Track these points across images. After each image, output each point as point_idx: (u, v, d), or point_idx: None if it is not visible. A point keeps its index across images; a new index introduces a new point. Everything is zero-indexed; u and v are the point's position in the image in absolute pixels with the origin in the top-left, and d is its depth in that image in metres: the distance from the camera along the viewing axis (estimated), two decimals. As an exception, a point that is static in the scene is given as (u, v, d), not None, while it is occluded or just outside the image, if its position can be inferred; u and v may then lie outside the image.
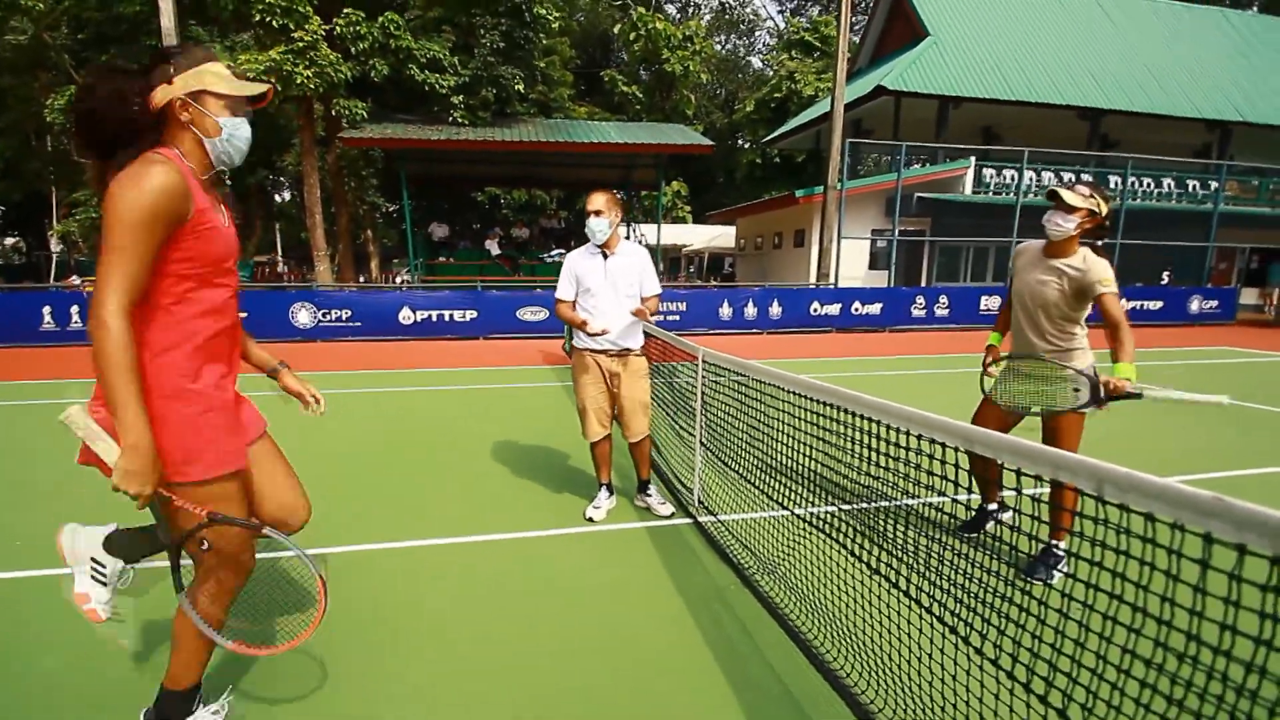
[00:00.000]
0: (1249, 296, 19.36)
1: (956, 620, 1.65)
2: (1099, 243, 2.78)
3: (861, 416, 1.95)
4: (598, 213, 3.22)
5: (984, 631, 1.55)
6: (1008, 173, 17.63)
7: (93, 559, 1.73)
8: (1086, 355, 2.80)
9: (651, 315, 3.30)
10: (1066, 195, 2.65)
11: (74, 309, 10.89)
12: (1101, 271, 2.63)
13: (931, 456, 1.62)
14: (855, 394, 1.90)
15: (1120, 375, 2.52)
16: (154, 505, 1.51)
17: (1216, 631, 1.01)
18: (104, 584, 1.72)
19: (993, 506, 3.19)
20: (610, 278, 3.31)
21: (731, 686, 2.07)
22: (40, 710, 1.97)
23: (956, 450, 1.47)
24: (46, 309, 10.84)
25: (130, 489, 1.41)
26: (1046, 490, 2.70)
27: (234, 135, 1.58)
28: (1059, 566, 2.73)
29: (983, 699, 1.60)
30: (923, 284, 18.00)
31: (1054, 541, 2.76)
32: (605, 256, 3.33)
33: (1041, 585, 2.64)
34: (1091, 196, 2.66)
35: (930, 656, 1.83)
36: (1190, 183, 18.90)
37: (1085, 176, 18.04)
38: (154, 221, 1.41)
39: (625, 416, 3.46)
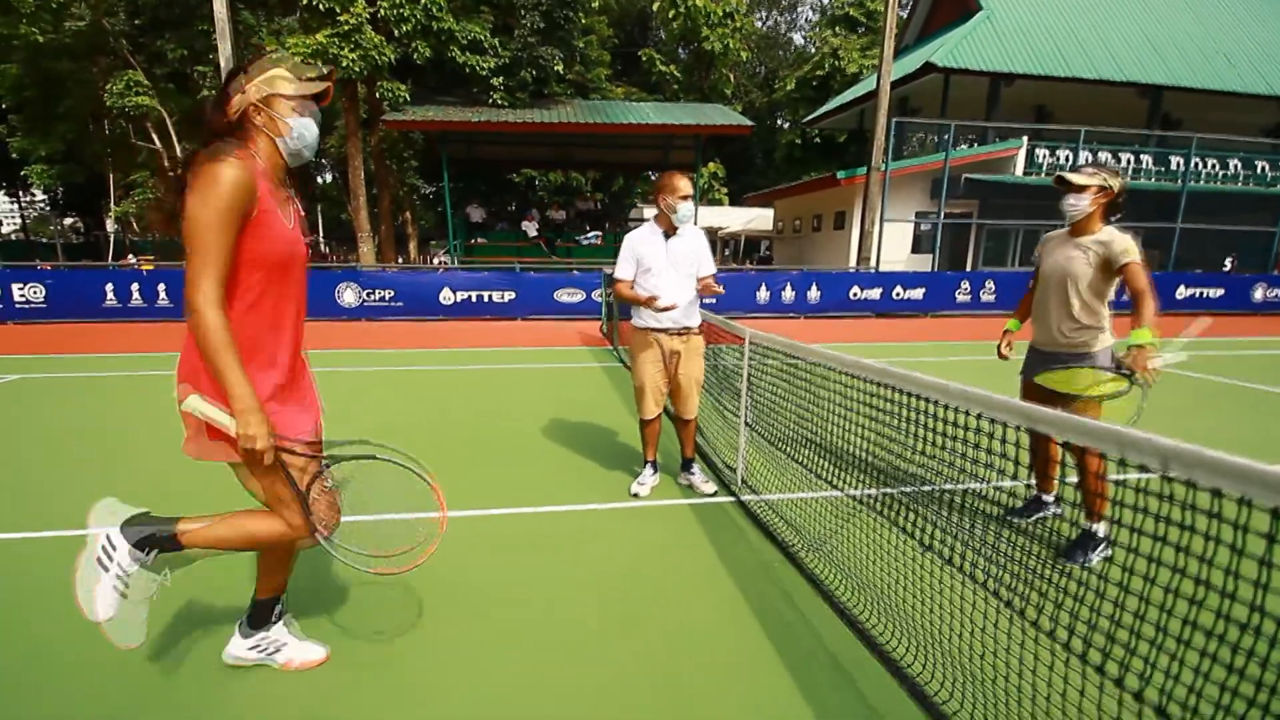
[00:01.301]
0: (1319, 284, 18.33)
1: (1012, 594, 1.68)
2: (1115, 218, 2.88)
3: (917, 396, 1.97)
4: (689, 197, 3.32)
5: (1040, 606, 1.59)
6: (1062, 153, 16.96)
7: (107, 537, 1.68)
8: (1107, 337, 2.84)
9: (710, 293, 3.38)
10: (1072, 177, 2.77)
11: (134, 286, 11.43)
12: (1125, 243, 2.71)
13: (991, 436, 1.65)
14: (911, 373, 1.93)
15: (1135, 340, 2.50)
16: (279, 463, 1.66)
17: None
18: (105, 569, 1.65)
19: (1049, 498, 3.17)
20: (671, 258, 3.37)
21: (779, 656, 2.14)
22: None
23: (1017, 429, 1.49)
24: (109, 286, 11.40)
25: (256, 446, 1.57)
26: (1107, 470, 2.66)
27: (303, 134, 1.72)
28: (1100, 551, 2.71)
29: (1036, 671, 1.64)
30: (968, 268, 17.54)
31: (1094, 526, 2.74)
32: (667, 237, 3.39)
33: (1080, 568, 2.64)
34: (1097, 174, 2.76)
35: (983, 630, 1.86)
36: (1259, 164, 17.90)
37: (1145, 157, 17.29)
38: (228, 220, 1.54)
39: (681, 394, 3.53)
